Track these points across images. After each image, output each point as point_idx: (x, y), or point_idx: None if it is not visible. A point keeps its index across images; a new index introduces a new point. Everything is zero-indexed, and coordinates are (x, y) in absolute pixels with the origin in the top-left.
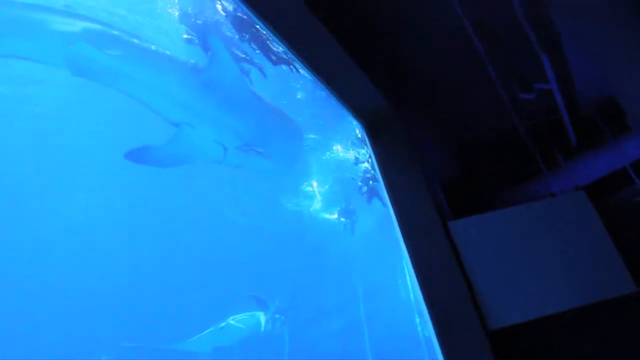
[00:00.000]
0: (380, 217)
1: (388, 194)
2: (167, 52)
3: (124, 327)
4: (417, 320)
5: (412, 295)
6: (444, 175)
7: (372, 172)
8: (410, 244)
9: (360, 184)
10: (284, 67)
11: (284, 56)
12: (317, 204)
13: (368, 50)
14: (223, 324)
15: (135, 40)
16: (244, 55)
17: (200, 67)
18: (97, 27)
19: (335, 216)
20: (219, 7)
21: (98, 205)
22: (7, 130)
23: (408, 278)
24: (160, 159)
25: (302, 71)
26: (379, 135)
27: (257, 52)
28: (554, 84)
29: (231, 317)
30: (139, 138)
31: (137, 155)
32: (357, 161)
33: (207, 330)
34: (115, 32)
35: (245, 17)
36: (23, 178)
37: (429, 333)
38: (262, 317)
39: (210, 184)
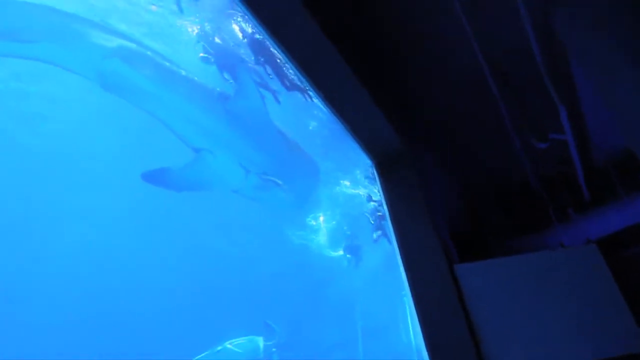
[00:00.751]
0: (386, 256)
1: (395, 233)
2: (196, 78)
3: (119, 350)
4: None
5: (413, 339)
6: (452, 217)
7: (381, 209)
8: (415, 286)
9: (372, 222)
10: (297, 94)
11: (298, 83)
12: (322, 238)
13: (383, 85)
14: (219, 348)
15: (167, 64)
16: (259, 80)
17: (226, 96)
18: (132, 45)
19: (341, 253)
20: (237, 27)
21: (106, 225)
22: (25, 145)
23: (410, 320)
24: (177, 183)
25: (315, 100)
26: (389, 174)
27: (271, 77)
28: (569, 135)
29: (228, 342)
30: (156, 160)
31: (155, 177)
32: (368, 198)
33: (203, 354)
34: (148, 53)
35: (261, 39)
36: (41, 192)
37: None
38: (260, 342)
39: (217, 210)
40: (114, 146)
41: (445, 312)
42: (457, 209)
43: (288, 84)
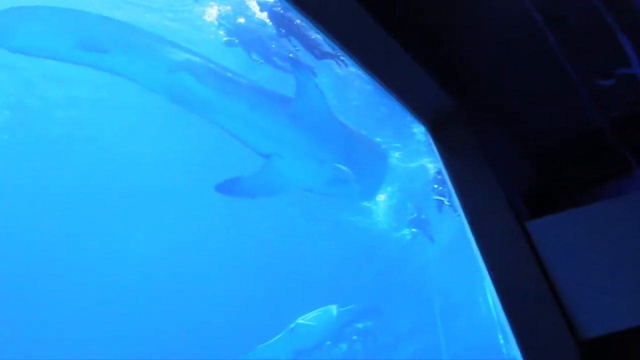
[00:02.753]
0: (457, 227)
1: (458, 199)
2: (255, 84)
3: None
4: (501, 340)
5: (494, 313)
6: (517, 175)
7: (440, 177)
8: (485, 251)
9: (435, 193)
10: (330, 62)
11: (330, 50)
12: (385, 218)
13: (427, 46)
14: (292, 325)
15: (229, 74)
16: (291, 55)
17: (287, 99)
18: (196, 59)
19: (407, 231)
20: (254, 3)
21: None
22: (96, 156)
23: (489, 293)
24: (250, 190)
25: (351, 68)
26: (444, 137)
27: (298, 49)
28: (636, 67)
29: (300, 318)
30: (225, 169)
31: (228, 187)
32: (426, 168)
33: (278, 336)
34: (211, 65)
35: (282, 11)
36: (112, 206)
37: (514, 354)
38: (334, 309)
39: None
40: (183, 158)
41: (522, 274)
42: (522, 166)
43: (318, 52)
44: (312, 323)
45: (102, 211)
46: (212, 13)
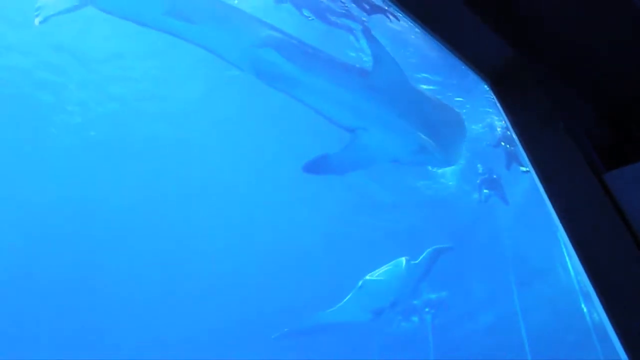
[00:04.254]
0: (531, 187)
1: (528, 156)
2: (335, 58)
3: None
4: (584, 307)
5: (574, 279)
6: (588, 127)
7: (507, 133)
8: (562, 209)
9: (503, 151)
10: (380, 17)
11: (380, 4)
12: (454, 182)
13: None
14: (360, 283)
15: (310, 50)
16: (343, 11)
17: (366, 71)
18: (279, 35)
19: (478, 194)
20: None
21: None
22: (185, 133)
23: (567, 257)
24: (338, 167)
25: (403, 22)
26: (508, 91)
27: (346, 4)
28: None
29: (368, 275)
30: (307, 149)
31: (316, 166)
32: (490, 125)
33: (348, 297)
34: (293, 42)
35: None
36: (197, 188)
37: (599, 319)
38: (403, 261)
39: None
40: (266, 138)
41: (604, 230)
42: (592, 118)
43: (368, 7)
44: (380, 278)
45: (176, 192)
46: None
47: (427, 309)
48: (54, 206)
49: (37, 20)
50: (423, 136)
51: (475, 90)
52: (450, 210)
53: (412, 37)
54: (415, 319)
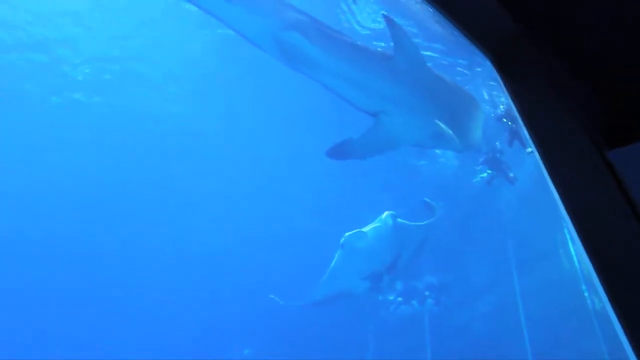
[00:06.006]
0: (534, 167)
1: (530, 134)
2: (358, 42)
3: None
4: (585, 292)
5: (577, 264)
6: (591, 106)
7: (510, 110)
8: (565, 188)
9: (508, 123)
10: None
11: None
12: (453, 160)
13: None
14: (342, 240)
15: (334, 32)
16: None
17: (388, 56)
18: (304, 18)
19: (482, 174)
20: None
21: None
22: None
23: (569, 239)
24: (362, 151)
25: None
26: (510, 67)
27: None
28: None
29: (346, 233)
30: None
31: (340, 151)
32: (492, 102)
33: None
34: (318, 25)
35: None
36: (217, 173)
37: (601, 305)
38: (389, 218)
39: None
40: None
41: (607, 209)
42: (596, 96)
43: None
44: (362, 235)
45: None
46: None
47: (427, 293)
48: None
49: None
50: (440, 123)
51: (476, 64)
52: (451, 190)
53: (412, 7)
54: (415, 302)
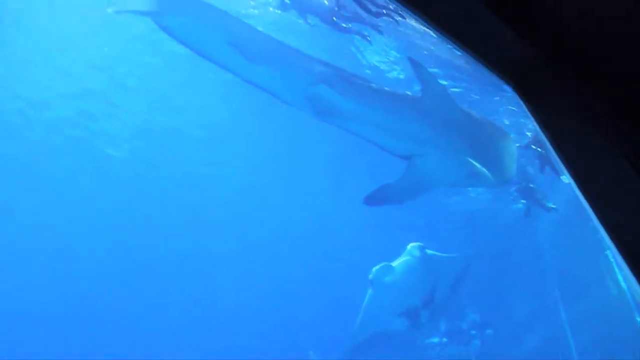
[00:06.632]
0: (571, 195)
1: (561, 159)
2: (386, 88)
3: None
4: (638, 319)
5: (626, 288)
6: (620, 128)
7: (536, 135)
8: (604, 215)
9: (537, 150)
10: (385, 19)
11: (385, 3)
12: (486, 194)
13: None
14: (370, 276)
15: (361, 81)
16: (350, 15)
17: (416, 98)
18: (331, 70)
19: (515, 204)
20: None
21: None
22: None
23: (615, 265)
24: (399, 196)
25: (412, 22)
26: (534, 91)
27: (350, 6)
28: None
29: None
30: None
31: (377, 198)
32: (519, 130)
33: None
34: (345, 75)
35: None
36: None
37: None
38: (416, 250)
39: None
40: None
41: None
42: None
43: (374, 9)
44: (390, 269)
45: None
46: None
47: (473, 332)
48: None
49: (111, 9)
50: (473, 162)
51: (499, 91)
52: (485, 225)
53: (419, 40)
54: (461, 343)
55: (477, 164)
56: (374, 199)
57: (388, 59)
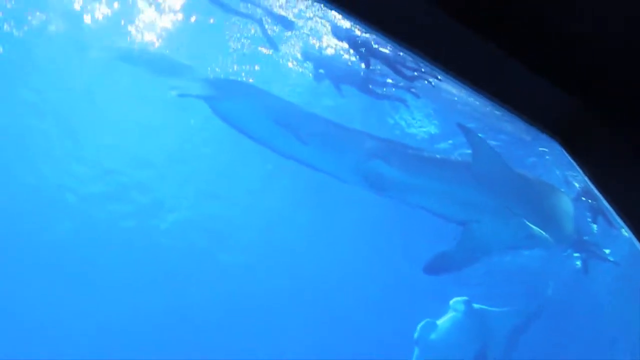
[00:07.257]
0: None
1: (616, 212)
2: (437, 155)
3: None
4: None
5: None
6: None
7: (585, 187)
8: None
9: (588, 210)
10: (422, 82)
11: (419, 67)
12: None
13: (539, 48)
14: (416, 336)
15: (412, 151)
16: (391, 81)
17: (467, 163)
18: (383, 144)
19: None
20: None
21: None
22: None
23: None
24: (456, 263)
25: (446, 85)
26: (579, 143)
27: (384, 75)
28: None
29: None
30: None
31: (437, 266)
32: (567, 182)
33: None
34: (396, 147)
35: (360, 34)
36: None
37: None
38: (461, 305)
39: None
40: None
41: None
42: None
43: (409, 73)
44: (436, 327)
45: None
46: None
47: None
48: None
49: (174, 92)
50: (530, 224)
51: (543, 143)
52: (541, 281)
53: (455, 98)
54: None
55: (533, 227)
56: (432, 268)
57: (429, 121)
